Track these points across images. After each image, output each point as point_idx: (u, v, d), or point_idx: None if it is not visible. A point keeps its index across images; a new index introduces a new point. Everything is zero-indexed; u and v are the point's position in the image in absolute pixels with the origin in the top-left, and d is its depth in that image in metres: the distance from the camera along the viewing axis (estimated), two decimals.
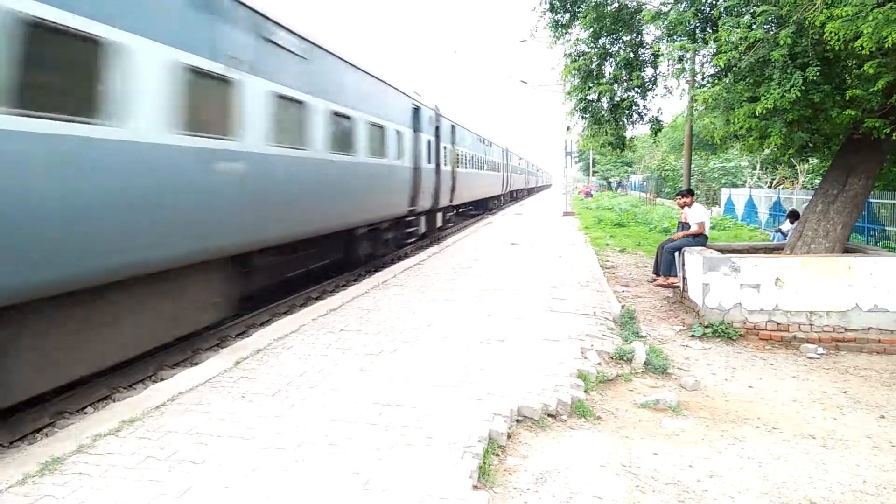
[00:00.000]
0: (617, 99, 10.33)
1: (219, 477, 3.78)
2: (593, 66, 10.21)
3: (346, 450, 4.16)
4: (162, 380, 6.03)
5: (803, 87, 7.09)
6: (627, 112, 10.57)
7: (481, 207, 32.50)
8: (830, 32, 6.45)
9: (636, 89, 10.45)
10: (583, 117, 10.77)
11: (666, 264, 10.73)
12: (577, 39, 10.44)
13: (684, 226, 11.19)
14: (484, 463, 4.09)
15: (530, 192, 67.23)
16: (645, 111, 11.00)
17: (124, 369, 6.62)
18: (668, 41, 9.07)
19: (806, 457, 4.60)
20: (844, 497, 4.01)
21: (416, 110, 15.63)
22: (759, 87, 7.44)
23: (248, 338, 7.11)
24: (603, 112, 10.50)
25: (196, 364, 6.51)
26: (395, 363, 6.04)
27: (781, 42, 6.91)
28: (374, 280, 10.92)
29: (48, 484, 3.68)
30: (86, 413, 5.75)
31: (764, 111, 7.24)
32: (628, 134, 11.61)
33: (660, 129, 11.47)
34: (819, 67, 7.12)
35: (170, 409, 4.83)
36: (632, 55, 10.15)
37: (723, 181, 35.30)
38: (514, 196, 50.14)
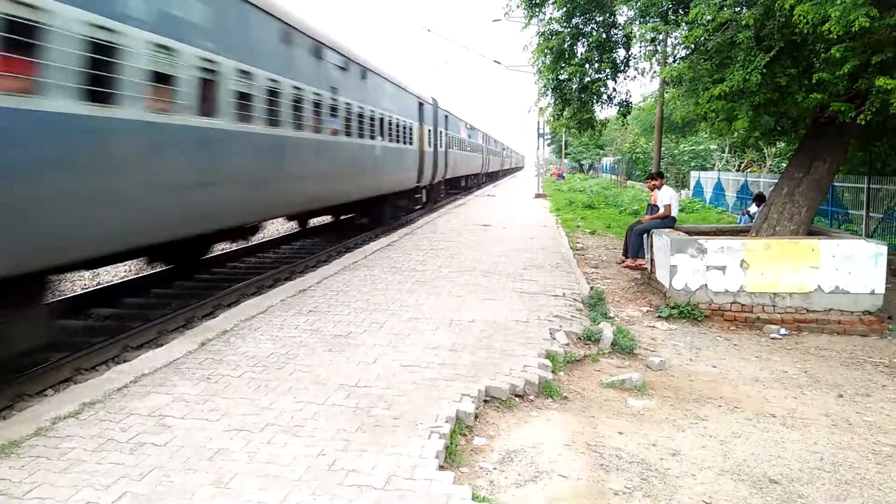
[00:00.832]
0: (587, 80, 10.31)
1: (181, 459, 3.72)
2: (566, 45, 10.16)
3: (313, 431, 4.13)
4: (125, 361, 5.92)
5: (765, 70, 7.14)
6: (596, 94, 10.56)
7: (376, 216, 17.44)
8: (799, 15, 6.49)
9: (607, 71, 10.44)
10: (553, 98, 10.74)
11: (634, 246, 10.83)
12: (551, 18, 10.37)
13: (653, 208, 11.28)
14: (451, 443, 4.10)
15: (491, 176, 50.65)
16: (614, 93, 11.01)
17: (87, 351, 6.49)
18: (640, 22, 9.05)
19: (766, 435, 4.70)
20: (802, 474, 4.11)
21: None
22: (726, 69, 7.48)
23: (214, 319, 7.01)
24: (571, 93, 10.47)
25: (161, 346, 6.40)
26: (365, 345, 6.01)
27: (745, 23, 6.94)
28: (344, 261, 10.83)
29: (4, 468, 3.59)
30: (46, 395, 5.63)
31: (723, 93, 7.29)
32: (599, 116, 11.60)
33: (628, 113, 11.49)
34: (781, 47, 7.16)
35: (132, 391, 4.74)
36: (604, 36, 10.12)
37: (692, 164, 35.64)
38: (464, 186, 34.60)
